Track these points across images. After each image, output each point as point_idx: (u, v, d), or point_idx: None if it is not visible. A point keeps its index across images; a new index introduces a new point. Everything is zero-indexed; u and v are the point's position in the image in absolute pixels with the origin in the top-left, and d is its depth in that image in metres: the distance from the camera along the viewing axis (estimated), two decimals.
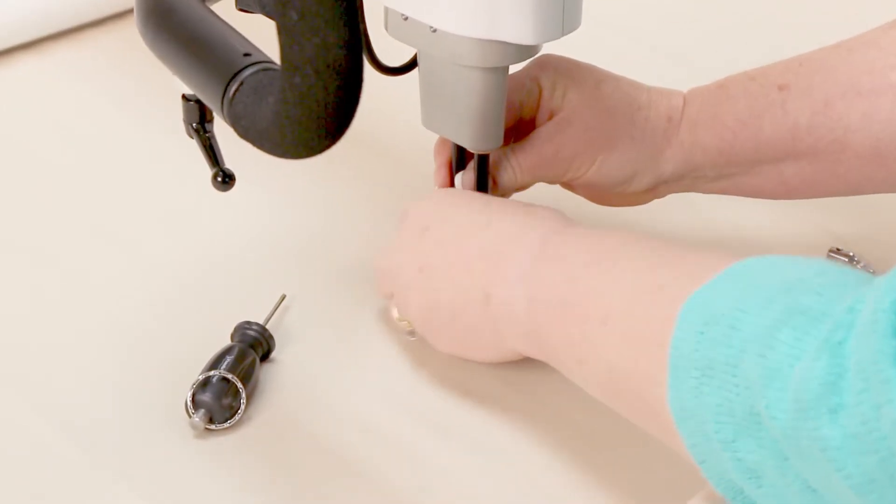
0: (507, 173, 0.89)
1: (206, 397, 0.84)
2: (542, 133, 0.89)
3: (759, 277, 0.66)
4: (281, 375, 0.89)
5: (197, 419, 0.83)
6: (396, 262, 0.87)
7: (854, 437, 0.57)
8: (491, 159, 0.89)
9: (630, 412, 0.74)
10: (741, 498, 0.66)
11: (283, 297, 0.93)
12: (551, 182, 0.92)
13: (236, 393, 0.84)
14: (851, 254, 0.98)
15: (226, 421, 0.84)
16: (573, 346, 0.77)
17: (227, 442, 0.84)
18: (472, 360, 0.86)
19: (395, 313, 0.89)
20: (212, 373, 0.85)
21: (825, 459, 0.58)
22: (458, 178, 0.90)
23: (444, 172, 0.91)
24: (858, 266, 0.97)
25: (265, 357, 0.89)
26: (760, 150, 0.89)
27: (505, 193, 0.91)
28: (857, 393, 0.57)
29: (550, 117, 0.90)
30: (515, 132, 0.91)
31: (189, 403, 0.84)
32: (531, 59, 0.87)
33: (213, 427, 0.84)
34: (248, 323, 0.89)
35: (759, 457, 0.63)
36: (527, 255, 0.80)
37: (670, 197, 0.95)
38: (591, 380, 0.77)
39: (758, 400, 0.62)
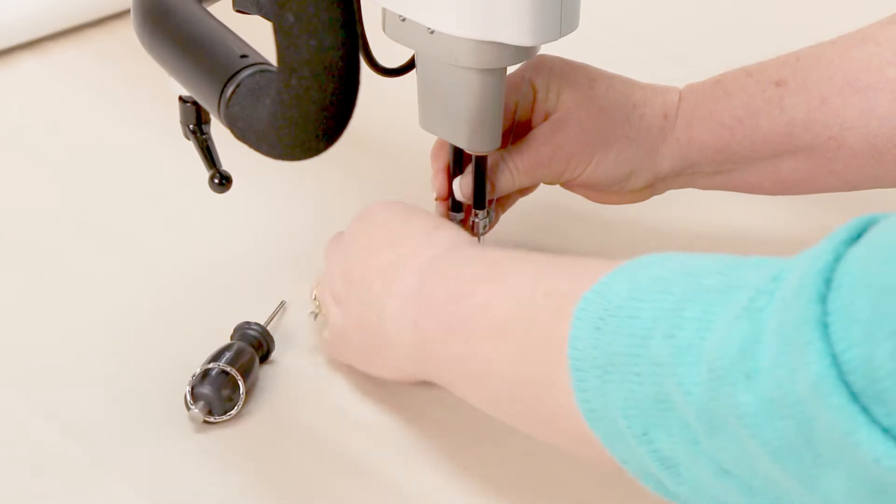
0: (504, 176, 0.89)
1: (205, 389, 0.84)
2: (538, 134, 0.89)
3: (653, 270, 0.66)
4: (280, 376, 0.89)
5: (196, 411, 0.84)
6: (332, 263, 0.87)
7: (770, 401, 0.56)
8: (488, 163, 0.89)
9: (530, 424, 0.74)
10: (666, 493, 0.65)
11: (283, 304, 0.93)
12: (549, 183, 0.92)
13: (235, 386, 0.85)
14: None
15: (225, 413, 0.84)
16: (462, 364, 0.76)
17: (225, 440, 0.84)
18: (370, 374, 0.86)
19: (314, 294, 0.89)
20: (211, 365, 0.85)
21: (741, 426, 0.57)
22: (456, 182, 0.90)
23: (442, 177, 0.91)
24: None
25: (265, 358, 0.89)
26: (757, 146, 0.89)
27: (504, 196, 0.92)
28: (774, 356, 0.56)
29: (546, 118, 0.90)
30: (513, 134, 0.91)
31: (188, 396, 0.84)
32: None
33: (211, 419, 0.84)
34: (248, 323, 0.89)
35: (671, 444, 0.62)
36: (416, 276, 0.80)
37: (669, 196, 0.95)
38: (484, 395, 0.76)
39: (668, 380, 0.61)
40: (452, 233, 0.84)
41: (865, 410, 0.53)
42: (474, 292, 0.76)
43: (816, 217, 1.02)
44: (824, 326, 0.54)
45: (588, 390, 0.65)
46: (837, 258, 0.56)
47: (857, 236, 0.56)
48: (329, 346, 0.88)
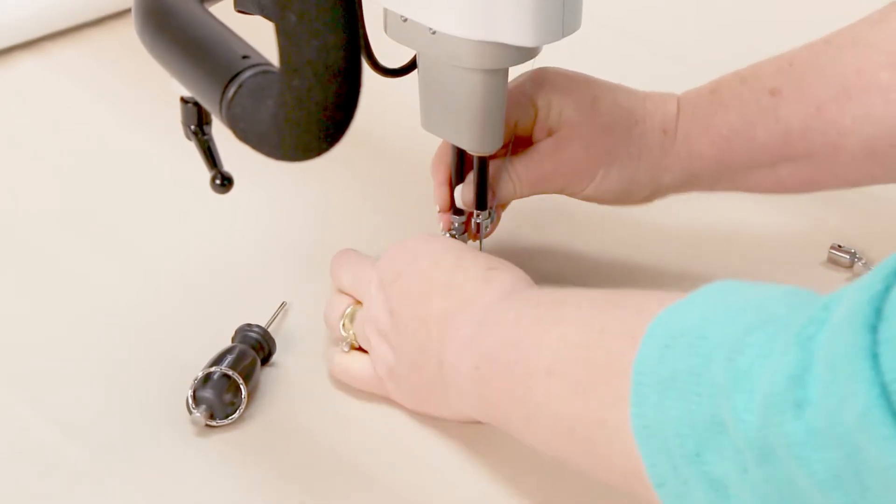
0: (507, 186, 0.89)
1: (206, 393, 0.84)
2: (542, 149, 0.89)
3: (727, 297, 0.65)
4: (282, 378, 0.89)
5: (198, 415, 0.83)
6: (372, 301, 0.85)
7: (818, 431, 0.56)
8: (491, 171, 0.89)
9: (585, 462, 0.73)
10: None
11: (284, 305, 0.93)
12: (553, 193, 0.92)
13: (237, 389, 0.84)
14: (853, 251, 0.98)
15: (227, 417, 0.84)
16: (520, 406, 0.76)
17: (227, 443, 0.84)
18: (429, 415, 0.85)
19: (342, 322, 0.87)
20: (213, 369, 0.85)
21: (790, 456, 0.57)
22: (458, 190, 0.90)
23: (444, 190, 0.91)
24: (860, 263, 0.97)
25: (266, 360, 0.89)
26: (755, 156, 0.90)
27: (504, 204, 0.92)
28: (824, 386, 0.56)
29: (549, 134, 0.90)
30: (512, 146, 0.90)
31: (190, 400, 0.84)
32: (527, 70, 0.87)
33: (213, 423, 0.84)
34: (249, 325, 0.89)
35: (724, 467, 0.61)
36: (474, 322, 0.80)
37: (671, 197, 0.95)
38: (541, 435, 0.75)
39: (723, 404, 0.60)
40: (508, 276, 0.83)
41: None
42: (533, 334, 0.76)
43: (821, 218, 1.02)
44: (874, 356, 0.54)
45: (644, 405, 0.64)
46: (888, 288, 0.55)
47: None
48: (379, 385, 0.86)
